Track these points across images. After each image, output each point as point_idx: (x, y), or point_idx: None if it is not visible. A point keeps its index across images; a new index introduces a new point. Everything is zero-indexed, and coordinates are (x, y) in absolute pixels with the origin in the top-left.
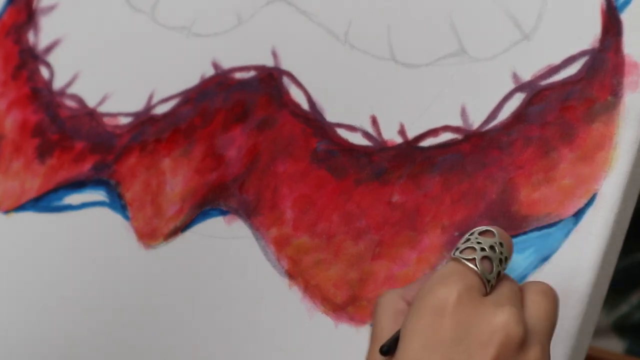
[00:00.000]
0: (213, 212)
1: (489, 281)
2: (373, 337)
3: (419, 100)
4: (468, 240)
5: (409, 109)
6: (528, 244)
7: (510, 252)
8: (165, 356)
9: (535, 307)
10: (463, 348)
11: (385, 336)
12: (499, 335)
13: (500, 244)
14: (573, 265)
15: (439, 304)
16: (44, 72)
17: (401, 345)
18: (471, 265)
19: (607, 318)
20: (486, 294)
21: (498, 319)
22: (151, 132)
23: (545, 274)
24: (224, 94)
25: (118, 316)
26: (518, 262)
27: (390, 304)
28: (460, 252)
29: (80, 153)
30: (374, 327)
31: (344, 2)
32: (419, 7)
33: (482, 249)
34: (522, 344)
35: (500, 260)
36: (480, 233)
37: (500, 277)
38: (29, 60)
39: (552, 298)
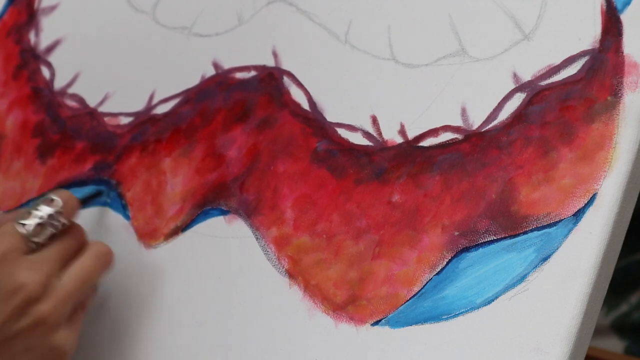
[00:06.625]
0: (213, 211)
1: (36, 243)
2: None
3: (419, 100)
4: (34, 206)
5: (409, 109)
6: (528, 244)
7: (71, 214)
8: (165, 355)
9: (76, 267)
10: None
11: None
12: (19, 292)
13: (58, 212)
14: (573, 265)
15: None
16: (45, 72)
17: None
18: (19, 229)
19: (607, 318)
20: (29, 253)
21: (21, 278)
22: (152, 132)
23: (545, 274)
24: (224, 94)
25: (119, 315)
26: (518, 261)
27: None
28: (22, 216)
29: (81, 153)
30: None
31: (344, 2)
32: (419, 7)
33: (40, 217)
34: (38, 299)
35: (55, 225)
36: (45, 202)
37: (62, 237)
38: (30, 60)
39: (99, 263)
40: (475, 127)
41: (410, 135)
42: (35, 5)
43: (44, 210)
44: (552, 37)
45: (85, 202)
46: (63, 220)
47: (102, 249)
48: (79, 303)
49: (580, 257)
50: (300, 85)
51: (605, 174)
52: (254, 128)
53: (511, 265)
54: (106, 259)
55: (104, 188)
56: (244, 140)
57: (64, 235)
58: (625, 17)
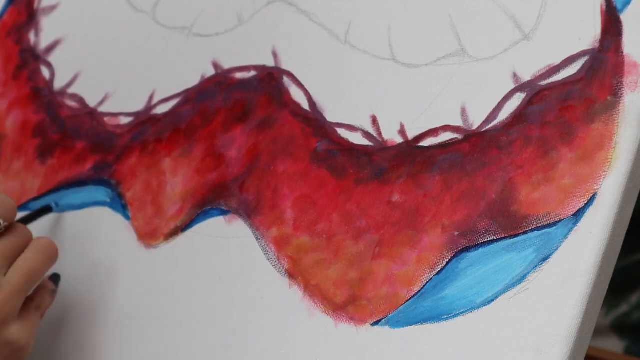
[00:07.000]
0: (213, 211)
1: None
2: None
3: (419, 100)
4: None
5: (409, 109)
6: (528, 244)
7: (9, 216)
8: (165, 355)
9: (19, 262)
10: None
11: None
12: None
13: None
14: (573, 265)
15: None
16: (45, 72)
17: None
18: None
19: (607, 318)
20: None
21: None
22: (152, 132)
23: (545, 274)
24: (224, 94)
25: (119, 315)
26: (518, 261)
27: None
28: None
29: (81, 153)
30: None
31: (344, 2)
32: (419, 7)
33: None
34: None
35: None
36: None
37: (2, 238)
38: (29, 60)
39: (42, 255)
40: (475, 127)
41: (410, 135)
42: (35, 5)
43: None
44: (552, 37)
45: (35, 216)
46: (1, 221)
47: (44, 243)
48: (31, 302)
49: (580, 257)
50: (300, 85)
51: (605, 174)
52: (254, 128)
53: (511, 265)
54: (49, 252)
55: (52, 204)
56: (244, 140)
57: (5, 235)
58: (625, 17)
